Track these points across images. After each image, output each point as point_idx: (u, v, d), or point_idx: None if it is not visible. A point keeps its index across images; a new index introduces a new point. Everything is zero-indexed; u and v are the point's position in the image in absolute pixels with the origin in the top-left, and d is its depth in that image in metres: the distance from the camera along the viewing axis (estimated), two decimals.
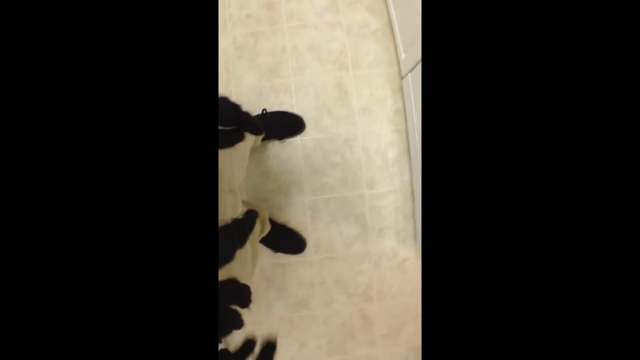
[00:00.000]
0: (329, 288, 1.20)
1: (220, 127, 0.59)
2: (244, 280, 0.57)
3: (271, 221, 1.12)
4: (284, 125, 1.14)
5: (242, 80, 1.18)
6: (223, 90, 1.18)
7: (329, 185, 1.17)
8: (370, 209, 1.18)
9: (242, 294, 0.44)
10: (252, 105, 1.17)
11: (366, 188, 1.17)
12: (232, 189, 0.65)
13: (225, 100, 0.63)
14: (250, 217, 0.73)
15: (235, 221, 0.57)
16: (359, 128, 1.16)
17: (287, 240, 1.16)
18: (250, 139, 0.84)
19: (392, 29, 1.17)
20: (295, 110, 1.16)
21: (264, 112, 1.11)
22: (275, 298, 1.19)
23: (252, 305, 0.53)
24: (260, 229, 0.98)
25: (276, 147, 1.16)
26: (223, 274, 0.53)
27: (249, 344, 0.32)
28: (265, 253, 1.16)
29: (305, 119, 1.16)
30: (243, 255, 0.63)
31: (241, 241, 0.55)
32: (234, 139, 0.66)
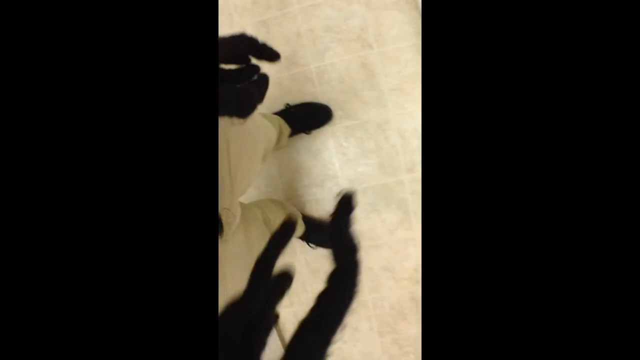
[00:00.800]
0: (376, 275, 1.20)
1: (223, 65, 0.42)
2: None
3: (305, 218, 1.09)
4: (310, 116, 1.08)
5: None
6: None
7: (366, 174, 1.12)
8: (412, 194, 1.13)
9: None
10: (274, 101, 1.11)
11: (405, 173, 1.12)
12: (232, 177, 0.55)
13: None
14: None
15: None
16: (391, 110, 1.10)
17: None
18: (265, 124, 0.77)
19: None
20: (320, 99, 1.10)
21: (287, 106, 1.06)
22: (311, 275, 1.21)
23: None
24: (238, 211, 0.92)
25: (305, 141, 1.12)
26: None
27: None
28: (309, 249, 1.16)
29: (332, 106, 1.10)
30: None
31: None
32: (248, 104, 0.47)
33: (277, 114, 1.06)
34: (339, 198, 0.29)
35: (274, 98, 1.12)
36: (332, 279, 0.28)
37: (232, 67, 0.42)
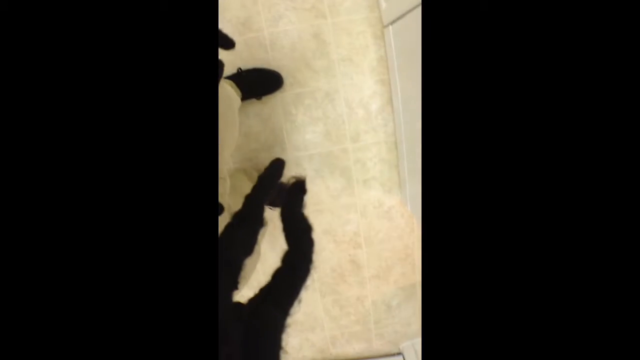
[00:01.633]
0: (318, 239, 1.25)
1: None
2: None
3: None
4: (261, 82, 1.11)
5: None
6: None
7: (312, 141, 1.17)
8: (355, 162, 1.19)
9: None
10: (227, 65, 1.12)
11: (350, 142, 1.17)
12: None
13: None
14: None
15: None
16: (340, 80, 1.13)
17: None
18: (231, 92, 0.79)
19: None
20: (272, 65, 1.12)
21: (239, 70, 1.08)
22: (268, 249, 1.26)
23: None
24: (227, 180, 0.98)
25: (255, 106, 1.14)
26: None
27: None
28: None
29: (283, 73, 1.12)
30: None
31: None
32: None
33: (229, 77, 1.07)
34: (292, 182, 0.31)
35: (227, 62, 1.13)
36: (287, 257, 0.30)
37: None
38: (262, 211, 0.32)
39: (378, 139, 1.18)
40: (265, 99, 1.13)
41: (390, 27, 0.98)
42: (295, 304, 0.30)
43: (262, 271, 1.06)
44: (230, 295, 0.27)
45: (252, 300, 0.29)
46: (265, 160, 1.18)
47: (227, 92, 0.92)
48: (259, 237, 0.30)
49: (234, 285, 0.27)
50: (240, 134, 1.17)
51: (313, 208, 1.22)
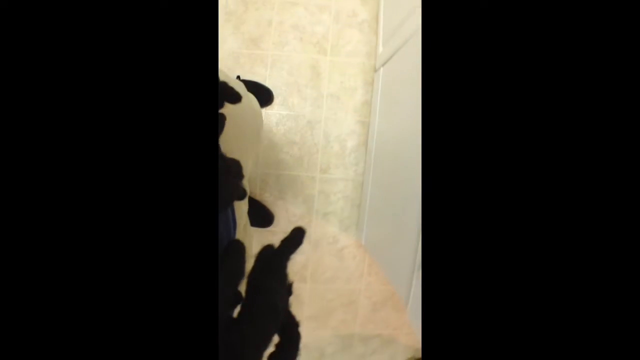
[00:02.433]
0: None
1: None
2: None
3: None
4: (254, 94, 1.16)
5: (223, 44, 1.20)
6: None
7: (284, 162, 1.19)
8: (320, 193, 1.20)
9: None
10: (227, 71, 1.19)
11: (319, 171, 1.20)
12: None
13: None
14: None
15: None
16: (324, 112, 1.19)
17: (256, 214, 1.18)
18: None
19: (377, 22, 1.18)
20: (267, 82, 1.19)
21: (238, 78, 1.14)
22: None
23: None
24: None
25: None
26: None
27: None
28: None
29: (275, 93, 1.18)
30: None
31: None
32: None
33: None
34: (293, 230, 0.33)
35: (228, 68, 1.21)
36: (280, 345, 0.32)
37: None
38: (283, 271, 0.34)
39: (347, 176, 1.20)
40: None
41: (381, 69, 1.05)
42: None
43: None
44: None
45: None
46: None
47: (253, 105, 0.94)
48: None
49: None
50: None
51: (268, 229, 1.21)
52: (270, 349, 0.30)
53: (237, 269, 0.31)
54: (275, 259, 0.34)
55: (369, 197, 1.12)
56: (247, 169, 0.62)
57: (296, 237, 0.35)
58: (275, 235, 1.23)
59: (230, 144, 0.58)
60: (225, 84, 0.39)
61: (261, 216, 1.18)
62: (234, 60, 1.21)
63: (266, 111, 1.18)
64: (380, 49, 1.09)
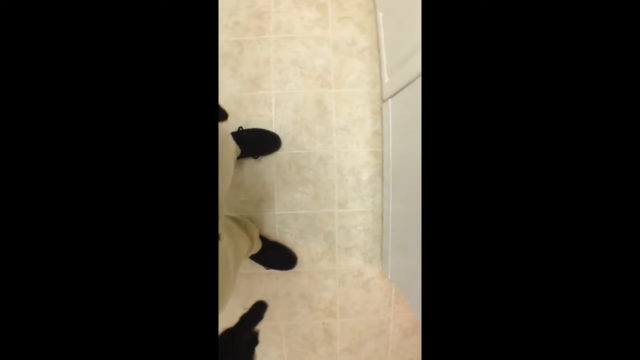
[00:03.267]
0: (293, 301, 1.22)
1: None
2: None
3: (262, 238, 1.13)
4: (260, 143, 1.14)
5: (222, 88, 1.18)
6: None
7: (300, 201, 1.17)
8: (340, 228, 1.19)
9: None
10: (231, 117, 1.17)
11: (337, 207, 1.18)
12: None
13: None
14: None
15: None
16: (335, 147, 1.17)
17: (279, 258, 1.16)
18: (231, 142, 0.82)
19: (379, 49, 1.16)
20: (274, 123, 1.17)
21: (240, 129, 1.11)
22: (240, 309, 1.21)
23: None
24: (249, 247, 0.99)
25: (251, 160, 1.17)
26: None
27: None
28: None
29: (283, 133, 1.16)
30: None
31: None
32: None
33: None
34: (254, 305, 0.34)
35: (231, 113, 1.18)
36: None
37: None
38: (239, 351, 0.34)
39: (365, 208, 1.18)
40: (261, 158, 1.16)
41: (390, 100, 1.04)
42: None
43: None
44: None
45: None
46: (252, 214, 1.18)
47: (226, 136, 0.93)
48: None
49: None
50: (231, 185, 1.18)
51: (292, 270, 1.20)
52: None
53: None
54: (235, 338, 0.34)
55: (390, 228, 1.10)
56: (223, 191, 0.61)
57: (256, 311, 0.35)
58: (299, 275, 1.21)
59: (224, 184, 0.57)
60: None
61: (284, 259, 1.16)
62: (236, 104, 1.19)
63: (277, 152, 1.16)
64: (386, 78, 1.07)
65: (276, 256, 1.14)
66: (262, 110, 1.17)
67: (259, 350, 1.27)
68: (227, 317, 1.16)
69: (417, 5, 0.77)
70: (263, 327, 1.23)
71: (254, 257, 1.11)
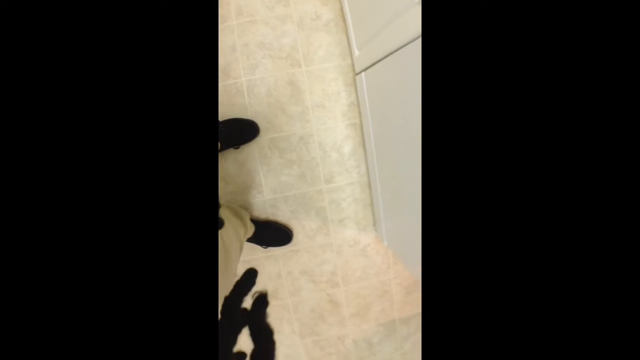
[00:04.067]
0: (295, 278, 1.27)
1: None
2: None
3: (253, 221, 1.16)
4: (238, 133, 1.14)
5: None
6: None
7: (288, 183, 1.20)
8: (330, 202, 1.22)
9: None
10: None
11: (324, 183, 1.21)
12: None
13: None
14: None
15: None
16: (314, 125, 1.18)
17: (274, 235, 1.19)
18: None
19: (344, 20, 1.15)
20: (249, 110, 1.17)
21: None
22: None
23: None
24: (243, 232, 1.02)
25: (232, 151, 1.18)
26: None
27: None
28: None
29: (259, 119, 1.17)
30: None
31: None
32: None
33: None
34: (255, 296, 0.36)
35: None
36: (254, 355, 0.34)
37: None
38: (236, 317, 0.37)
39: (351, 180, 1.21)
40: (242, 146, 1.17)
41: (363, 74, 1.04)
42: None
43: None
44: None
45: None
46: (242, 203, 1.20)
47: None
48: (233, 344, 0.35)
49: None
50: (218, 178, 1.20)
51: (289, 248, 1.24)
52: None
53: None
54: (231, 303, 0.37)
55: (380, 195, 1.14)
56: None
57: (247, 278, 0.38)
58: (297, 253, 1.25)
59: None
60: None
61: (279, 235, 1.20)
62: None
63: (256, 139, 1.17)
64: (356, 52, 1.07)
65: (271, 233, 1.18)
66: (235, 99, 1.17)
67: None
68: None
69: None
70: (271, 307, 1.28)
71: (250, 240, 1.15)
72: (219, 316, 0.35)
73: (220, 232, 0.74)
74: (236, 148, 1.15)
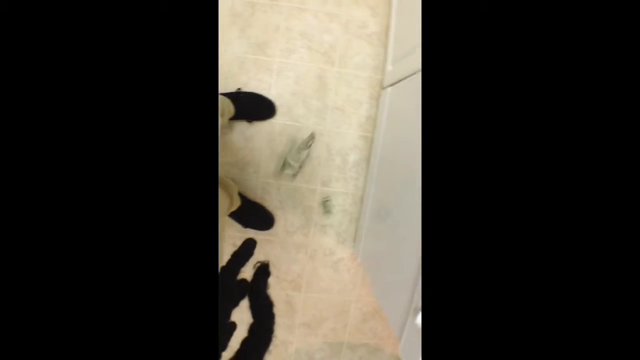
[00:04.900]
0: None
1: None
2: None
3: (242, 196, 1.14)
4: (256, 108, 1.14)
5: (228, 47, 1.17)
6: None
7: (285, 173, 1.18)
8: (319, 205, 1.20)
9: None
10: (232, 77, 1.16)
11: (320, 184, 1.19)
12: None
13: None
14: None
15: None
16: (328, 125, 1.18)
17: (256, 217, 1.17)
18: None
19: (387, 35, 1.16)
20: (273, 91, 1.17)
21: (238, 90, 1.11)
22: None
23: None
24: (228, 204, 1.00)
25: (243, 124, 1.17)
26: None
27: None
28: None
29: (279, 102, 1.16)
30: None
31: None
32: None
33: (227, 94, 1.10)
34: (257, 266, 0.35)
35: (232, 74, 1.18)
36: (253, 328, 0.33)
37: None
38: (234, 286, 0.36)
39: (347, 190, 1.20)
40: (255, 123, 1.16)
41: (389, 89, 1.04)
42: None
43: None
44: None
45: None
46: (236, 176, 1.18)
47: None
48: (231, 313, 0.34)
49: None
50: (219, 145, 1.19)
51: (266, 237, 1.21)
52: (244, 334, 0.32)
53: None
54: (228, 273, 0.36)
55: (368, 212, 1.12)
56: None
57: (246, 248, 0.37)
58: (271, 244, 1.23)
59: None
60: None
61: (261, 218, 1.17)
62: (239, 65, 1.18)
63: (270, 120, 1.17)
64: (389, 67, 1.08)
65: (255, 215, 1.16)
66: (263, 76, 1.17)
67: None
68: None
69: None
70: None
71: (233, 215, 1.12)
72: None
73: None
74: (249, 122, 1.14)
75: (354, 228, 1.23)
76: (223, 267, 0.36)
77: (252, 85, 1.16)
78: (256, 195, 1.20)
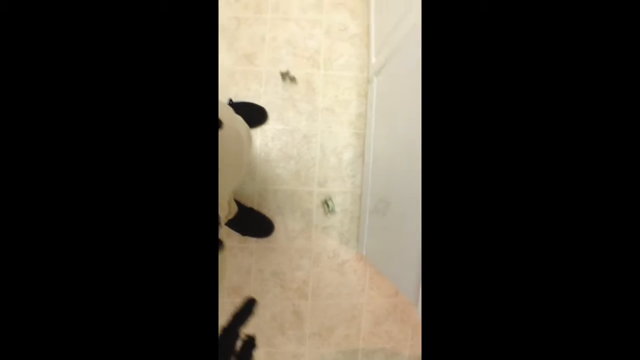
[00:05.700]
0: (265, 278, 1.21)
1: None
2: None
3: (238, 203, 1.13)
4: (248, 116, 1.15)
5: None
6: None
7: (281, 177, 1.18)
8: (318, 207, 1.19)
9: None
10: (221, 89, 1.19)
11: (317, 185, 1.19)
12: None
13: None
14: None
15: None
16: (320, 126, 1.18)
17: (255, 223, 1.15)
18: None
19: (369, 35, 1.19)
20: (262, 98, 1.18)
21: (230, 101, 1.13)
22: None
23: None
24: (225, 213, 0.98)
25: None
26: None
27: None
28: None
29: (270, 108, 1.18)
30: None
31: None
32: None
33: None
34: (244, 339, 0.37)
35: (222, 85, 1.20)
36: None
37: None
38: (233, 345, 0.37)
39: (345, 189, 1.19)
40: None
41: (375, 79, 1.06)
42: None
43: None
44: None
45: None
46: None
47: (238, 128, 0.93)
48: None
49: None
50: None
51: (266, 245, 1.19)
52: None
53: None
54: (227, 336, 0.36)
55: (368, 209, 1.11)
56: (226, 192, 0.61)
57: (246, 307, 0.37)
58: (274, 252, 1.20)
59: None
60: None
61: (260, 224, 1.15)
62: (228, 77, 1.20)
63: (262, 127, 1.18)
64: (373, 59, 1.10)
65: (253, 222, 1.14)
66: (253, 85, 1.19)
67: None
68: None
69: None
70: (232, 303, 1.21)
71: (230, 223, 1.11)
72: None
73: None
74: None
75: (356, 226, 1.21)
76: (224, 328, 0.36)
77: (242, 95, 1.18)
78: (254, 202, 1.19)
